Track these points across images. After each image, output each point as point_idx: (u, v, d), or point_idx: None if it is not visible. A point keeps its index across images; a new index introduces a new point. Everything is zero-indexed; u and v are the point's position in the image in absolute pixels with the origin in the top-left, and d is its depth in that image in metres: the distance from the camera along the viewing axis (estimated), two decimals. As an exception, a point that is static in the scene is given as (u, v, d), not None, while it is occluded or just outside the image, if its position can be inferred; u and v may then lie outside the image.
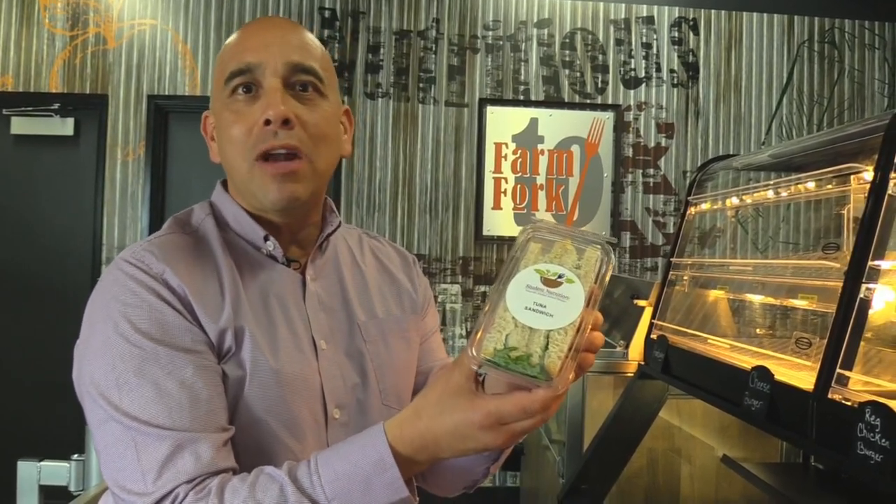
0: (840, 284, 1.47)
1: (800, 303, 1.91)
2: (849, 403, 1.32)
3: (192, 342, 0.89)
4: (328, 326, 1.04)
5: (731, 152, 4.17)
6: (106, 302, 0.90)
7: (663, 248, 4.29)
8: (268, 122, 0.94)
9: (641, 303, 2.75)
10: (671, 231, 4.27)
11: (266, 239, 1.01)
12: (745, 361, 1.79)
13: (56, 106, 4.06)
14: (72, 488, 1.66)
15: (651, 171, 4.32)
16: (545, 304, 0.74)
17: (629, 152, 4.29)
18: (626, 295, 2.84)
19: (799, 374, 1.59)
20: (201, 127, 1.07)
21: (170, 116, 4.15)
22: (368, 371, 1.05)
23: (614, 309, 2.92)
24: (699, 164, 3.59)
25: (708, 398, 1.94)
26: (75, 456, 1.66)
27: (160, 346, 0.87)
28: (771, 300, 2.11)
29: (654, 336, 2.11)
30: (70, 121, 4.09)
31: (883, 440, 1.13)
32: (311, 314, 1.03)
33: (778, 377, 1.57)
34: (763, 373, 1.59)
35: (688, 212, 2.29)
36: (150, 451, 0.83)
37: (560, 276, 0.75)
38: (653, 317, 2.22)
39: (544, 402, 0.72)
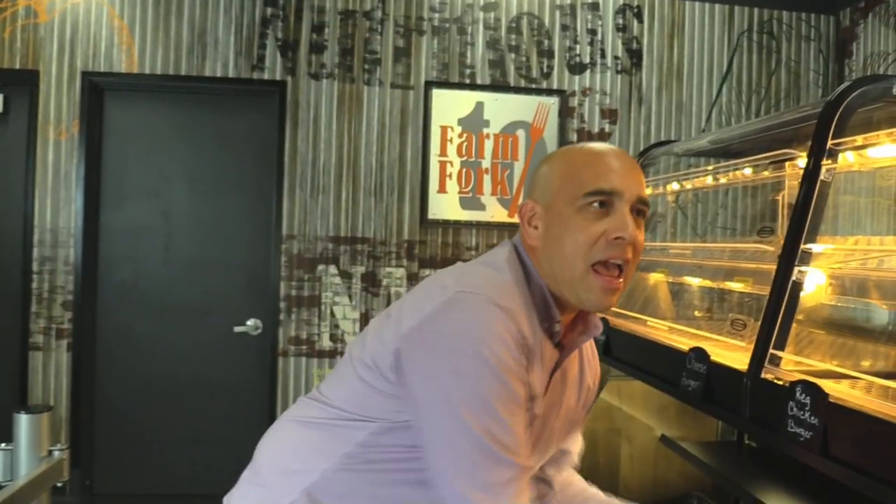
0: (774, 267, 1.51)
1: (736, 285, 1.95)
2: (780, 383, 1.36)
3: (526, 394, 1.10)
4: (549, 401, 1.23)
5: (673, 139, 4.24)
6: (480, 336, 1.06)
7: (606, 233, 4.34)
8: (618, 238, 1.12)
9: (584, 286, 2.78)
10: (614, 216, 4.33)
11: (557, 322, 1.18)
12: (684, 343, 1.83)
13: (-17, 81, 3.88)
14: None
15: (595, 156, 4.35)
16: None
17: (574, 137, 4.33)
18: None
19: (734, 354, 1.63)
20: (518, 212, 1.23)
21: (105, 94, 3.99)
22: (542, 437, 1.25)
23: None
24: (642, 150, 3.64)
25: (647, 379, 1.97)
26: (3, 445, 1.61)
27: (516, 389, 1.07)
28: (709, 283, 2.16)
29: (595, 319, 2.14)
30: (-2, 97, 3.92)
31: (812, 418, 1.17)
32: (550, 388, 1.22)
33: (714, 358, 1.61)
34: (700, 354, 1.63)
35: (630, 196, 2.32)
36: (497, 472, 1.03)
37: None
38: (595, 300, 2.25)
39: None
